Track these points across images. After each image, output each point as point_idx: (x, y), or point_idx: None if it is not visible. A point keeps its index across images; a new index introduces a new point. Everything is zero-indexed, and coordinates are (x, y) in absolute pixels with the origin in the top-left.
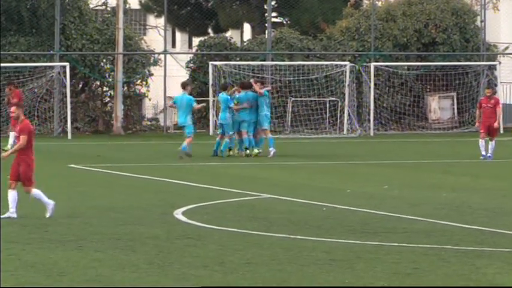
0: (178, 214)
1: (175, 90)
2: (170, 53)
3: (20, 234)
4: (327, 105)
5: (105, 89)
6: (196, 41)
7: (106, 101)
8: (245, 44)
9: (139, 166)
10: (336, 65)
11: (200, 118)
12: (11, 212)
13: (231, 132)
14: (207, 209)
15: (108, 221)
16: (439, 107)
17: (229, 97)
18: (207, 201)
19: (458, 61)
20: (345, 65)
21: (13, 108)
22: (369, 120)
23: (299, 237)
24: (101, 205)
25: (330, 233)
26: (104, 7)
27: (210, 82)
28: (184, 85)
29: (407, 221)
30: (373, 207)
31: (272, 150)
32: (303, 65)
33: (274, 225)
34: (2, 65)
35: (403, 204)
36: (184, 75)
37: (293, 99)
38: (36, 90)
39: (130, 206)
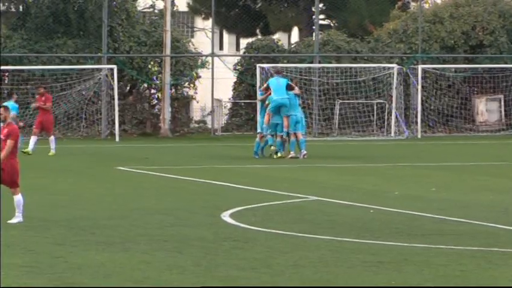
0: (225, 216)
1: (223, 92)
2: (218, 55)
3: (66, 237)
4: (374, 107)
5: (152, 91)
6: (243, 43)
7: (154, 103)
8: (292, 46)
9: (186, 168)
10: (384, 67)
11: (248, 120)
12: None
13: (280, 133)
14: (254, 211)
15: (154, 222)
16: (487, 109)
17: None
18: (253, 203)
19: (506, 63)
20: (393, 68)
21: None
22: (416, 123)
23: (346, 239)
24: (148, 207)
25: (376, 235)
26: (151, 9)
27: (258, 84)
28: None
29: (455, 223)
30: (420, 209)
31: (303, 152)
32: (351, 68)
33: (321, 228)
34: (51, 67)
35: (450, 207)
36: (232, 78)
37: (340, 101)
38: (84, 92)
39: (177, 208)
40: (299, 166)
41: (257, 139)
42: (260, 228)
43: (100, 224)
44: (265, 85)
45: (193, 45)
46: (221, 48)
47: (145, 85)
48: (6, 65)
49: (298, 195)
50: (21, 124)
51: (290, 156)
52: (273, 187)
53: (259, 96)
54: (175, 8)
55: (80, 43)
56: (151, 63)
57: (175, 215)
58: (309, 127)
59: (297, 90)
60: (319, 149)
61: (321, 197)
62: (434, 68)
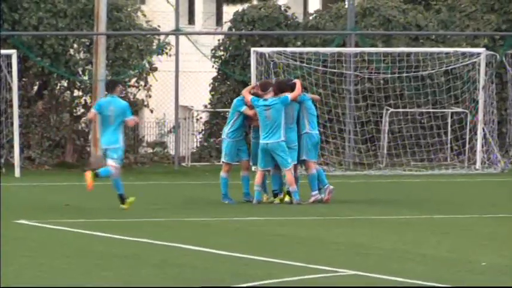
0: None
1: (194, 96)
2: (185, 34)
3: None
4: (448, 120)
5: (77, 93)
6: (228, 13)
7: (78, 113)
8: (311, 18)
9: (131, 223)
10: (464, 53)
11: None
12: None
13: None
14: None
15: None
16: None
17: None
18: (247, 280)
19: None
20: (479, 54)
21: None
22: None
23: None
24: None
25: None
26: None
27: (252, 82)
28: None
29: None
30: None
31: (315, 193)
32: (408, 54)
33: None
34: None
35: None
36: (209, 71)
37: (391, 110)
38: None
39: None
40: (320, 219)
41: (243, 172)
42: None
43: None
44: (249, 89)
45: (145, 16)
46: (191, 21)
47: (65, 83)
48: None
49: (323, 267)
50: None
51: (312, 199)
52: (278, 254)
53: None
54: None
55: None
56: (75, 46)
57: None
58: (338, 154)
59: (296, 92)
60: (356, 189)
61: (360, 270)
62: None
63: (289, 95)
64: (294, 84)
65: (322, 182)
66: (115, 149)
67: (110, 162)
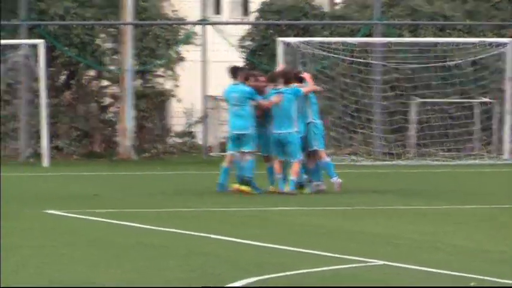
0: None
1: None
2: (212, 23)
3: None
4: (476, 110)
5: (104, 83)
6: (255, 2)
7: (106, 103)
8: (337, 7)
9: (158, 213)
10: (491, 43)
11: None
12: None
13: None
14: (278, 284)
15: None
16: None
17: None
18: (276, 270)
19: None
20: (505, 44)
21: None
22: None
23: None
24: (100, 279)
25: None
26: None
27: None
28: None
29: None
30: None
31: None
32: (435, 44)
33: None
34: None
35: None
36: (236, 61)
37: (418, 100)
38: None
39: (144, 279)
40: (348, 209)
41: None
42: None
43: None
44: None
45: (172, 6)
46: (218, 11)
47: (92, 73)
48: None
49: (353, 257)
50: None
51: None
52: (306, 244)
53: (262, 101)
54: None
55: None
56: (102, 36)
57: None
58: (367, 144)
59: (311, 87)
60: (384, 179)
61: (390, 260)
62: None
63: (303, 89)
64: (301, 76)
65: (319, 176)
66: None
67: None
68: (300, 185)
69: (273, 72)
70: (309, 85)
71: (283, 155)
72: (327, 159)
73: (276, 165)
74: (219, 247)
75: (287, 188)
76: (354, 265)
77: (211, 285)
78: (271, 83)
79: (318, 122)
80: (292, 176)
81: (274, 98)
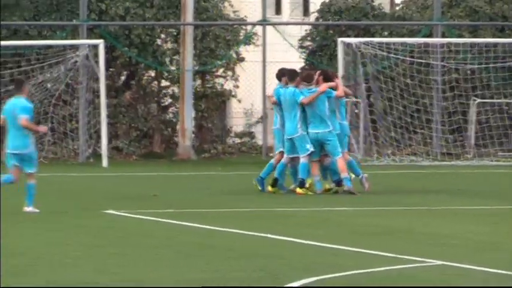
0: None
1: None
2: (272, 24)
3: None
4: None
5: (164, 83)
6: (315, 3)
7: (166, 103)
8: (398, 8)
9: (219, 213)
10: None
11: None
12: None
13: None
14: (336, 283)
15: None
16: None
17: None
18: (334, 270)
19: None
20: None
21: None
22: None
23: None
24: (163, 277)
25: None
26: None
27: (340, 71)
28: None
29: None
30: None
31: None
32: (495, 44)
33: None
34: None
35: None
36: (296, 61)
37: (478, 101)
38: (48, 85)
39: (211, 278)
40: (407, 209)
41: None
42: None
43: None
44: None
45: (232, 7)
46: (278, 12)
47: (152, 73)
48: None
49: (410, 257)
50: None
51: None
52: (366, 244)
53: (304, 98)
54: None
55: (41, 4)
56: (162, 36)
57: None
58: (426, 145)
59: (340, 92)
60: (444, 179)
61: (448, 260)
62: None
63: (335, 92)
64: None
65: (336, 175)
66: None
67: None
68: (338, 182)
69: (309, 73)
70: (340, 92)
71: (318, 155)
72: (350, 158)
73: (314, 166)
74: (280, 247)
75: (346, 187)
76: (412, 265)
77: (271, 285)
78: (307, 83)
79: (344, 123)
80: (343, 174)
81: (307, 98)
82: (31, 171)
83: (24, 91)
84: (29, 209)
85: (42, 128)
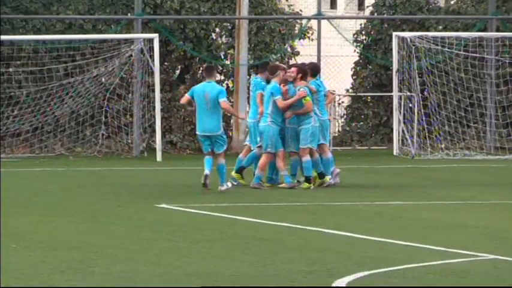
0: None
1: (337, 80)
2: (327, 18)
3: None
4: None
5: (219, 77)
6: None
7: None
8: (452, 2)
9: (275, 207)
10: None
11: (379, 125)
12: None
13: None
14: (386, 279)
15: None
16: None
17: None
18: (383, 265)
19: None
20: None
21: None
22: None
23: None
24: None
25: None
26: None
27: (394, 66)
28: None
29: None
30: None
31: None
32: None
33: None
34: (48, 37)
35: None
36: (351, 55)
37: None
38: (103, 79)
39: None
40: (460, 203)
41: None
42: None
43: None
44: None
45: (287, 1)
46: (333, 6)
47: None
48: None
49: (463, 251)
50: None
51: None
52: (418, 238)
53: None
54: None
55: None
56: (217, 30)
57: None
58: (479, 139)
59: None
60: (497, 173)
61: (501, 254)
62: None
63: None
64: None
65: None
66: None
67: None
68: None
69: (274, 65)
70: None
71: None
72: (329, 155)
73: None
74: (332, 241)
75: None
76: (464, 259)
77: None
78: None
79: (325, 117)
80: (281, 171)
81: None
82: (220, 151)
83: (214, 76)
84: (223, 187)
85: (241, 115)
